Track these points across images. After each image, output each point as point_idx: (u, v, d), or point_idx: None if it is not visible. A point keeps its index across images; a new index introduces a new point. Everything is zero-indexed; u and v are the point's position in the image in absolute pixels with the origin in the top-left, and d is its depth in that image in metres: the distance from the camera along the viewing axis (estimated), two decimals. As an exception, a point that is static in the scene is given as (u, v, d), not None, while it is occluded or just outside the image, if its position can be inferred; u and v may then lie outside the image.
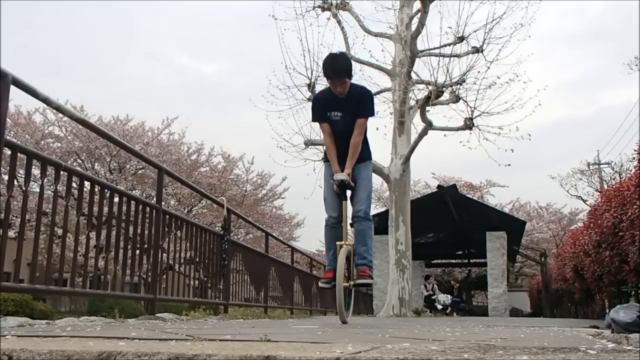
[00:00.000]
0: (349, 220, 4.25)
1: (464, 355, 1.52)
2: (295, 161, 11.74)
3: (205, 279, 6.68)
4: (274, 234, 13.14)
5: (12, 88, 3.11)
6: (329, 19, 12.96)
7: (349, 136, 4.17)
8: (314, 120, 4.40)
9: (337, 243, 4.13)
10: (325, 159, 4.40)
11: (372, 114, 4.29)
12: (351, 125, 4.17)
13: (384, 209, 18.95)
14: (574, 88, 70.96)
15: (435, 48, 11.60)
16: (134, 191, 17.04)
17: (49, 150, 16.84)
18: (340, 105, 4.15)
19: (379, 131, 12.17)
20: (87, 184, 4.14)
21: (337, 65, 4.08)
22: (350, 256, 4.18)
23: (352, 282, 4.17)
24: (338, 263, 3.94)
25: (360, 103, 4.18)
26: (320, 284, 4.37)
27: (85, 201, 4.26)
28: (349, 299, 4.28)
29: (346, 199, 4.19)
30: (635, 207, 6.37)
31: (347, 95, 4.10)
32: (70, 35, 71.93)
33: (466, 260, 25.84)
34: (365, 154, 4.33)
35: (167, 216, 5.37)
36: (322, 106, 4.25)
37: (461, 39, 11.40)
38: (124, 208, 4.52)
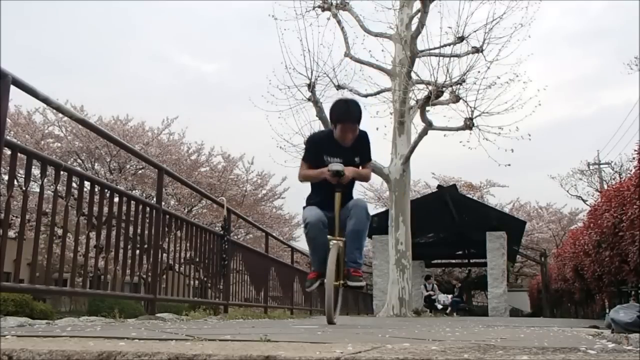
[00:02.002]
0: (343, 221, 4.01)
1: (464, 355, 1.52)
2: (296, 161, 11.72)
3: (205, 279, 6.68)
4: (274, 234, 13.14)
5: (12, 88, 3.11)
6: (329, 19, 12.98)
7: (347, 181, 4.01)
8: (305, 160, 4.13)
9: (329, 237, 3.93)
10: (306, 202, 4.16)
11: (371, 158, 4.19)
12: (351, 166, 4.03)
13: (384, 209, 18.95)
14: (574, 88, 71.07)
15: (435, 48, 11.61)
16: (134, 191, 17.04)
17: (49, 150, 16.83)
18: (339, 151, 3.97)
19: (379, 131, 12.18)
20: (87, 184, 4.14)
21: (352, 109, 3.90)
22: (341, 253, 3.96)
23: (341, 282, 3.98)
24: (329, 261, 3.77)
25: (363, 148, 4.03)
26: (306, 287, 4.20)
27: (85, 201, 4.26)
28: (337, 298, 4.08)
29: (340, 191, 3.95)
30: (635, 207, 6.37)
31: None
32: (71, 34, 72.02)
33: (466, 260, 25.85)
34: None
35: (167, 216, 5.37)
36: (318, 148, 4.06)
37: (461, 39, 11.39)
38: (124, 208, 4.52)
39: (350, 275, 3.95)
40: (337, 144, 3.96)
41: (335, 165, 3.90)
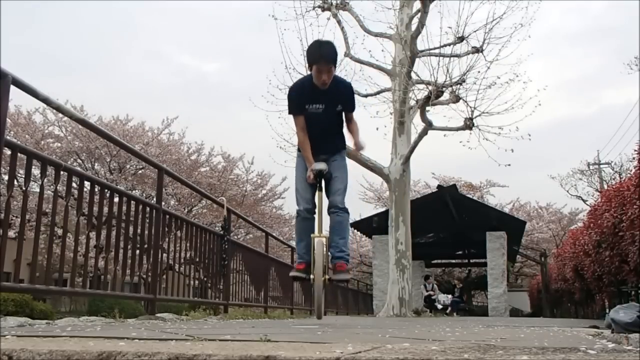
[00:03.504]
0: (324, 211, 4.10)
1: (464, 355, 1.52)
2: (295, 161, 11.71)
3: (205, 279, 6.68)
4: (274, 234, 13.13)
5: (12, 88, 3.11)
6: (329, 19, 12.97)
7: (328, 127, 4.10)
8: (290, 112, 4.11)
9: (312, 235, 3.97)
10: (298, 149, 4.24)
11: (355, 107, 4.24)
12: (333, 118, 4.09)
13: (384, 209, 18.94)
14: (574, 87, 71.11)
15: (435, 48, 11.59)
16: (134, 191, 17.04)
17: (49, 150, 16.82)
18: (320, 97, 3.98)
19: (379, 131, 12.18)
20: (87, 184, 4.14)
21: (325, 50, 3.92)
22: (325, 249, 4.02)
23: (327, 277, 4.00)
24: (316, 257, 3.81)
25: (347, 96, 4.09)
26: (292, 274, 4.17)
27: (85, 201, 4.26)
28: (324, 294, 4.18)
29: (321, 190, 4.03)
30: (635, 207, 6.37)
31: (329, 87, 3.95)
32: (71, 34, 72.06)
33: (466, 260, 25.82)
34: (340, 142, 4.27)
35: (167, 216, 5.37)
36: (300, 97, 4.04)
37: (461, 39, 11.38)
38: (124, 208, 4.52)
39: (335, 270, 4.02)
40: (317, 89, 3.97)
41: (318, 165, 3.96)
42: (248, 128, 65.17)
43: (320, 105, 4.00)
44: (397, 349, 1.63)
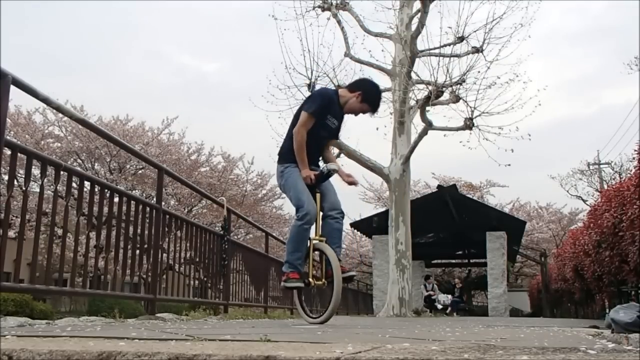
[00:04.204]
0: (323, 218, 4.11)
1: (464, 355, 1.52)
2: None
3: (205, 279, 6.68)
4: (274, 234, 13.13)
5: (12, 88, 3.11)
6: (329, 19, 12.96)
7: (325, 143, 4.28)
8: (315, 114, 3.98)
9: (315, 238, 3.98)
10: (286, 160, 4.13)
11: None
12: (332, 136, 4.28)
13: (384, 209, 18.94)
14: (575, 87, 71.14)
15: (435, 48, 11.59)
16: (134, 191, 17.03)
17: (49, 150, 16.82)
18: (337, 115, 4.18)
19: (379, 131, 12.17)
20: (87, 184, 4.14)
21: (379, 103, 4.28)
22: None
23: (324, 281, 3.99)
24: (332, 259, 3.81)
25: (342, 124, 4.31)
26: (290, 284, 3.97)
27: (85, 201, 4.26)
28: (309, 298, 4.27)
29: (317, 193, 4.03)
30: (635, 207, 6.37)
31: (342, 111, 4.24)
32: (71, 34, 72.04)
33: (466, 260, 25.82)
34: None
35: (167, 216, 5.37)
36: (329, 106, 4.10)
37: (461, 39, 11.38)
38: (124, 208, 4.52)
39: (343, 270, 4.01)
40: (338, 107, 4.16)
41: (333, 165, 4.05)
42: (248, 128, 65.20)
43: (335, 122, 4.18)
44: (397, 349, 1.63)
